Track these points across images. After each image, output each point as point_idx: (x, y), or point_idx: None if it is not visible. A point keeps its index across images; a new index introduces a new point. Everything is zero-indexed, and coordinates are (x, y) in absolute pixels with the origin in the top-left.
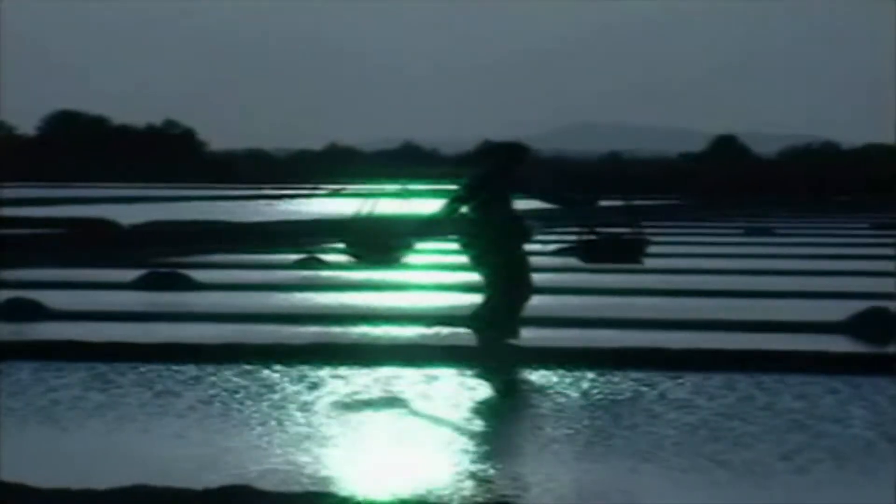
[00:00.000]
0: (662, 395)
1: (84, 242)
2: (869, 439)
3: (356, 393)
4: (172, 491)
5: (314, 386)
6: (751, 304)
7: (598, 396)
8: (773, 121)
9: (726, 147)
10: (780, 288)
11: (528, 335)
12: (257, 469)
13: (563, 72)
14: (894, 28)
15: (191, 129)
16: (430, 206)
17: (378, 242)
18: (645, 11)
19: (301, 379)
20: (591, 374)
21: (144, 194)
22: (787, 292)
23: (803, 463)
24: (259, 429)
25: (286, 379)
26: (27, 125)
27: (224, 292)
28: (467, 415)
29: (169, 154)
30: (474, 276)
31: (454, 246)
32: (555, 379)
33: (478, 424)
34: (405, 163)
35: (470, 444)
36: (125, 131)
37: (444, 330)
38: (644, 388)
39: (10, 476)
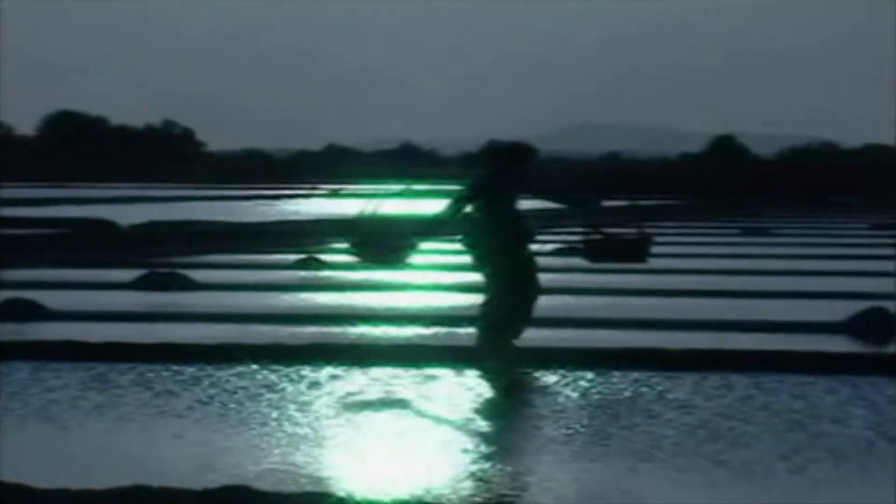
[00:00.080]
0: (661, 396)
1: (83, 243)
2: (868, 439)
3: (355, 393)
4: (171, 491)
5: (313, 386)
6: (749, 305)
7: (597, 397)
8: (772, 121)
9: (725, 147)
10: (778, 288)
11: (528, 335)
12: (256, 469)
13: (562, 72)
14: (894, 28)
15: (189, 130)
16: (434, 207)
17: (382, 242)
18: (645, 12)
19: (300, 379)
20: (589, 375)
21: (143, 194)
22: (785, 292)
23: (802, 463)
24: (258, 429)
25: (285, 379)
26: (26, 125)
27: (223, 292)
28: (466, 415)
29: (168, 154)
30: (477, 277)
31: (457, 246)
32: (553, 379)
33: (477, 425)
34: (404, 163)
35: (469, 444)
36: (124, 131)
37: (444, 330)
38: (642, 389)
39: (10, 476)
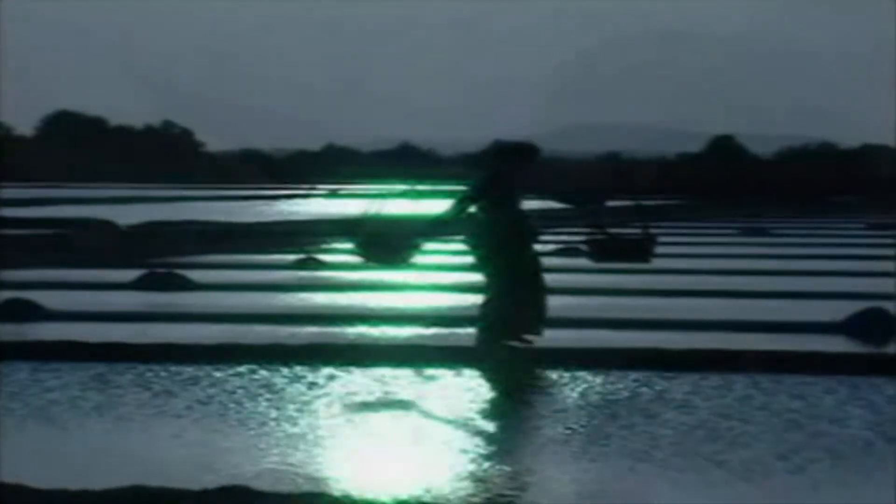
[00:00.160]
0: (659, 396)
1: (81, 243)
2: (866, 439)
3: (354, 393)
4: (170, 491)
5: (312, 386)
6: (748, 305)
7: (595, 397)
8: (771, 121)
9: (724, 147)
10: (776, 288)
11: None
12: (255, 469)
13: (561, 72)
14: (893, 28)
15: (188, 130)
16: (438, 207)
17: (386, 242)
18: (644, 12)
19: (299, 379)
20: (588, 375)
21: (142, 194)
22: (783, 292)
23: (801, 463)
24: (257, 429)
25: (284, 379)
26: (25, 125)
27: (221, 292)
28: (465, 415)
29: (166, 154)
30: (477, 277)
31: (459, 246)
32: (552, 379)
33: (476, 425)
34: (403, 163)
35: (468, 445)
36: (123, 131)
37: (443, 330)
38: (640, 389)
39: (8, 476)
